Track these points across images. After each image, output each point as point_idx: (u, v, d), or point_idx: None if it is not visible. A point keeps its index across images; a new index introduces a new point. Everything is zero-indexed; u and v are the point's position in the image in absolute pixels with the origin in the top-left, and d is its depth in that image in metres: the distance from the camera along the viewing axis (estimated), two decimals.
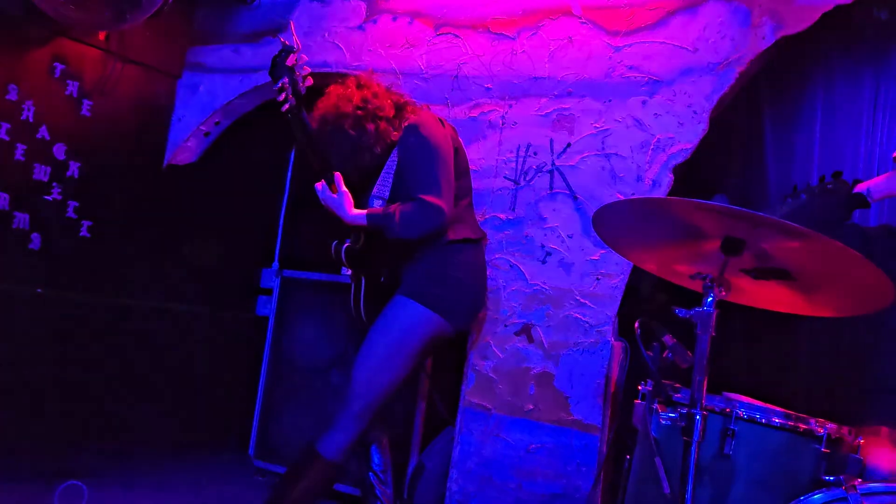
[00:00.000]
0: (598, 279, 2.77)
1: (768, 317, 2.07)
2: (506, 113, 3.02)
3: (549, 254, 2.87)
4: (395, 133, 2.57)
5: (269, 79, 2.60)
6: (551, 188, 2.90)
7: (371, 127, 2.54)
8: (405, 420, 3.32)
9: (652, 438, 1.82)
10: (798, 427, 1.72)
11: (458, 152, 2.65)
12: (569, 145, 2.88)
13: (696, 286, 1.70)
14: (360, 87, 2.61)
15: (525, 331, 2.87)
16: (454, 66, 3.16)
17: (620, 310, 2.75)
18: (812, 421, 1.75)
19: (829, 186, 2.18)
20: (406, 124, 2.57)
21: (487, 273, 2.92)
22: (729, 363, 2.92)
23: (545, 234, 2.89)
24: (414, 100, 2.75)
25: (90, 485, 2.68)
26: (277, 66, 2.57)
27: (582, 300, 2.78)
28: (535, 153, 2.95)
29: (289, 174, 4.44)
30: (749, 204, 3.50)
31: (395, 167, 2.57)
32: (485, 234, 2.81)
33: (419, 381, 3.30)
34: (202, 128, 3.92)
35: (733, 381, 2.07)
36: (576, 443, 2.71)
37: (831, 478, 1.55)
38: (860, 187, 2.20)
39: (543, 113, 2.95)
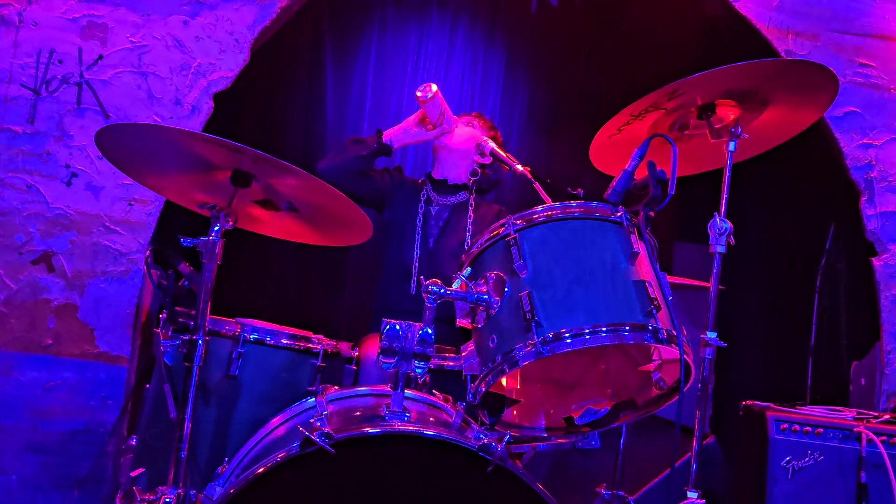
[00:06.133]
0: (130, 205, 2.63)
1: (291, 247, 2.23)
2: (24, 9, 2.62)
3: (75, 175, 2.62)
4: None
5: None
6: (79, 103, 2.63)
7: None
8: None
9: (163, 365, 1.83)
10: (299, 345, 1.90)
11: None
12: (101, 57, 2.63)
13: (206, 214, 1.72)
14: None
15: (44, 259, 2.59)
16: None
17: (158, 237, 2.67)
18: (314, 339, 1.94)
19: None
20: None
21: None
22: (250, 289, 3.09)
23: (71, 153, 2.62)
24: None
25: None
26: None
27: (112, 227, 2.62)
28: (61, 61, 2.62)
29: None
30: (314, 142, 3.62)
31: None
32: None
33: None
34: None
35: (255, 307, 2.18)
36: (102, 376, 2.58)
37: (314, 388, 1.75)
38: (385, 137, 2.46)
39: (71, 17, 2.63)
